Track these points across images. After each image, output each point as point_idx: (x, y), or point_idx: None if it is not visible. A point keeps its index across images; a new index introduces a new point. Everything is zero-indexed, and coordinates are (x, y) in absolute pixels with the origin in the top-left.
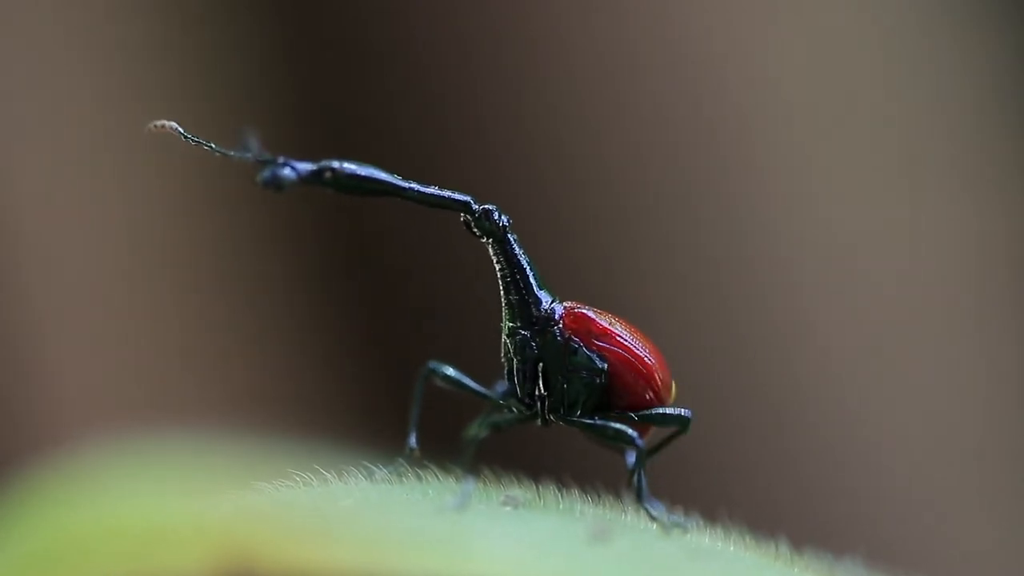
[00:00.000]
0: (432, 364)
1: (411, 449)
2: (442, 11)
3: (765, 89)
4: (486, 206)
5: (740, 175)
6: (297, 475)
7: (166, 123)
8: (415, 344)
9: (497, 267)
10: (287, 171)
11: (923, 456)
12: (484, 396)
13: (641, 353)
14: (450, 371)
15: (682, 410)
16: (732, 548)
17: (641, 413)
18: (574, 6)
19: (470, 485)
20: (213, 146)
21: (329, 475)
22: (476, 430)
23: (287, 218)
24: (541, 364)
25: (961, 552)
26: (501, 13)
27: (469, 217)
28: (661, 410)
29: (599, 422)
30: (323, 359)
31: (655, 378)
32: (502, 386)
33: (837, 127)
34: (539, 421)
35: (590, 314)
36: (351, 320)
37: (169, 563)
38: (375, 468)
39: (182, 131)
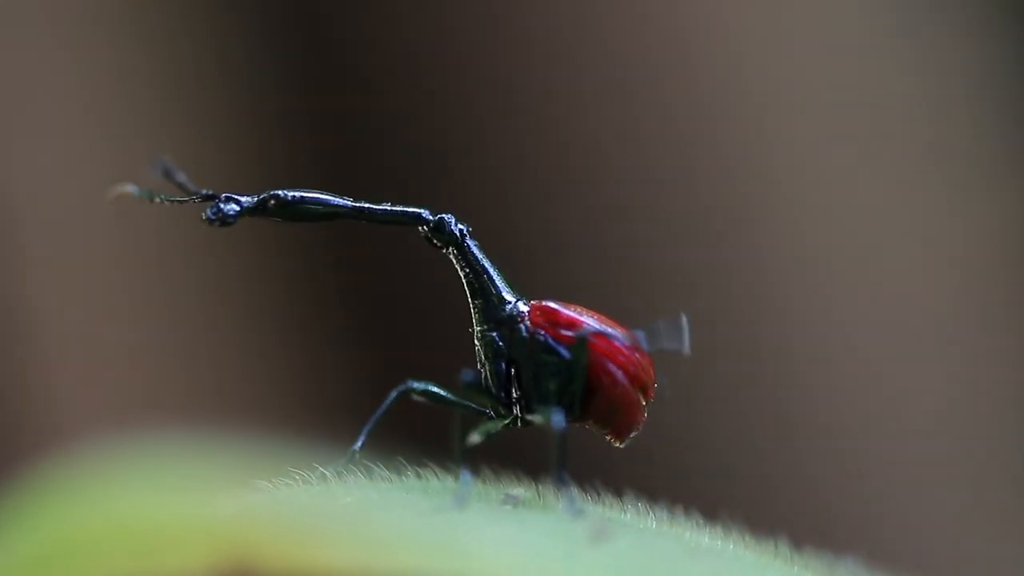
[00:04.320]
0: (411, 382)
1: (354, 452)
2: (443, 13)
3: (765, 89)
4: (441, 216)
5: (743, 176)
6: (297, 474)
7: (122, 188)
8: (418, 343)
9: (461, 274)
10: (230, 206)
11: (924, 456)
12: (465, 407)
13: (611, 336)
14: (431, 387)
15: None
16: (732, 547)
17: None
18: (579, 4)
19: (470, 484)
20: (162, 198)
21: (328, 473)
22: (459, 434)
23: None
24: (512, 362)
25: (961, 552)
26: (505, 11)
27: (426, 229)
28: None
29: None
30: (323, 358)
31: (632, 359)
32: (467, 375)
33: (840, 127)
34: (518, 422)
35: (555, 305)
36: (353, 320)
37: (169, 563)
38: (375, 467)
39: (136, 192)
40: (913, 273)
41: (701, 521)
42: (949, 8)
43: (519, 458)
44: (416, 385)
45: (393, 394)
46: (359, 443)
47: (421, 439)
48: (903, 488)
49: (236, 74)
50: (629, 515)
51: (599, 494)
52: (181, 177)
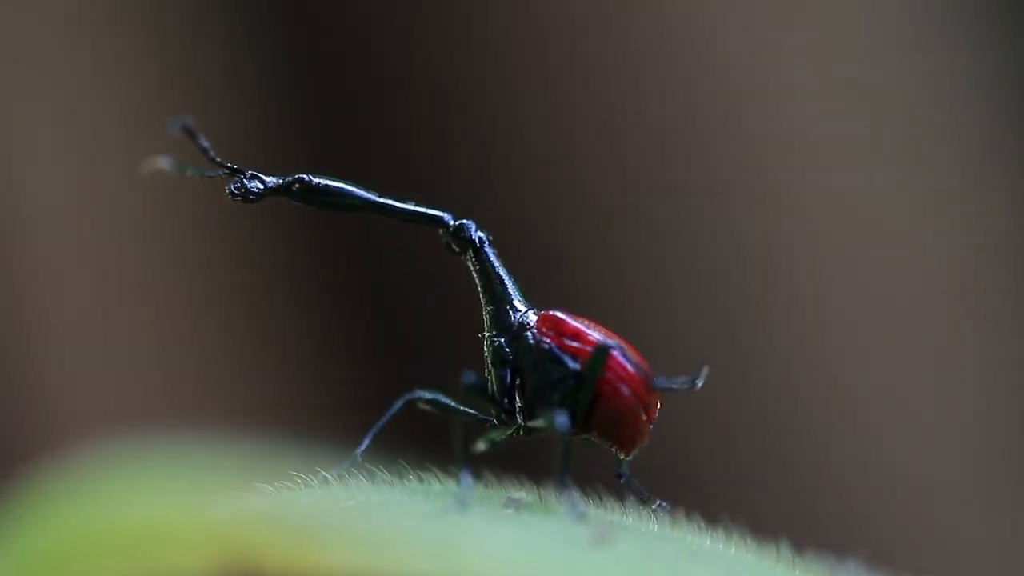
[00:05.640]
0: (419, 391)
1: (356, 456)
2: (445, 13)
3: (765, 88)
4: (462, 221)
5: (741, 177)
6: (298, 477)
7: (156, 162)
8: (419, 346)
9: (477, 280)
10: (255, 183)
11: (926, 459)
12: (470, 416)
13: (615, 351)
14: (439, 397)
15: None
16: (733, 550)
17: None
18: (577, 5)
19: (471, 488)
20: (193, 171)
21: (330, 477)
22: (460, 437)
23: (290, 221)
24: (518, 370)
25: (963, 554)
26: (511, 15)
27: (446, 233)
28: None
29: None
30: (324, 361)
31: (634, 376)
32: (469, 377)
33: (838, 126)
34: (521, 431)
35: (561, 315)
36: (354, 322)
37: (171, 565)
38: (377, 470)
39: (168, 166)
40: (915, 276)
41: (703, 524)
42: (945, 11)
43: (521, 462)
44: (424, 395)
45: (400, 403)
46: (362, 447)
47: (423, 443)
48: (905, 491)
49: (250, 71)
50: (631, 519)
51: (601, 498)
52: (204, 141)
